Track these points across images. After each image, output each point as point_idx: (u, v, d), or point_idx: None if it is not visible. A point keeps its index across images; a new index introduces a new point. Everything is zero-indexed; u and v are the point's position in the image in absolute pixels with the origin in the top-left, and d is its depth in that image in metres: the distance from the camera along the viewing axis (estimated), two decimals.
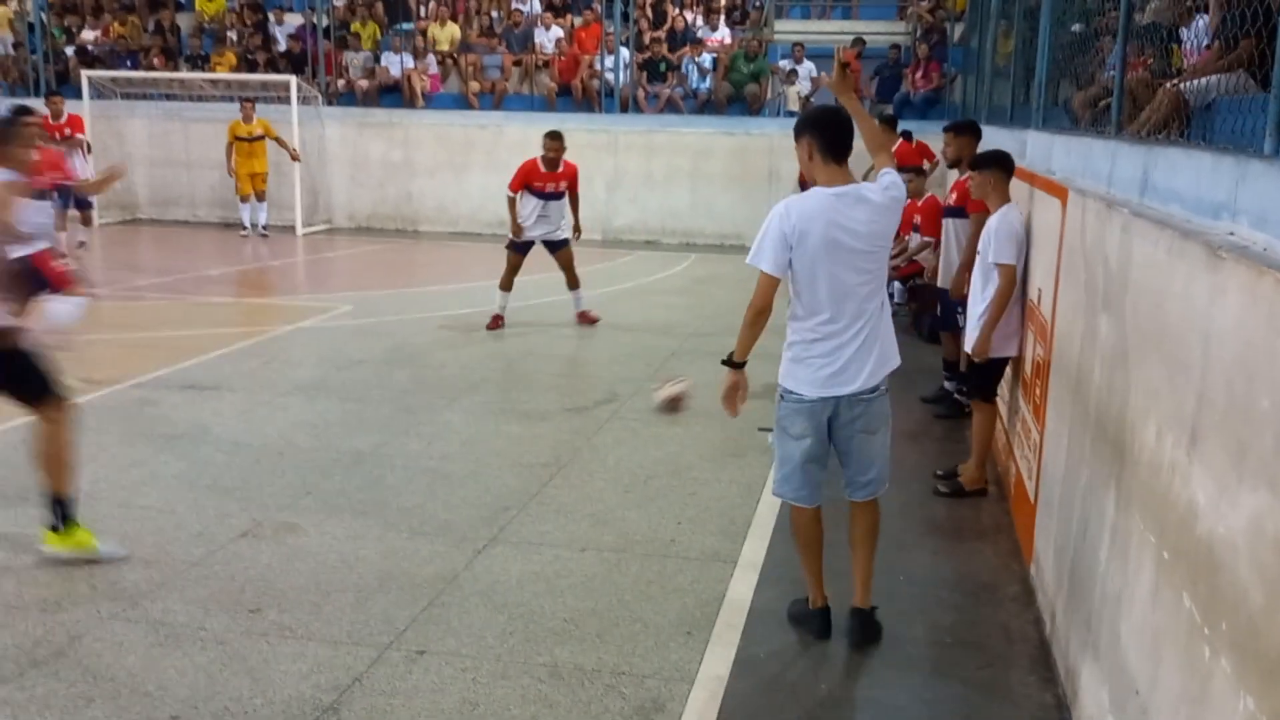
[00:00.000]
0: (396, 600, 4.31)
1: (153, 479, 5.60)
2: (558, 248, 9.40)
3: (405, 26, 17.43)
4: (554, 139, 9.15)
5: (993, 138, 8.67)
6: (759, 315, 3.78)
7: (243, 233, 15.32)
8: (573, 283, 9.54)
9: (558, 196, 9.27)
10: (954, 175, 7.23)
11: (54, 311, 6.45)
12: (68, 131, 13.31)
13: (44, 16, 17.59)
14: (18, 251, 4.76)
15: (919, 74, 15.36)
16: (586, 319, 9.64)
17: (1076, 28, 5.62)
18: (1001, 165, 5.58)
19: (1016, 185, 5.67)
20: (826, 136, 3.77)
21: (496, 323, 9.40)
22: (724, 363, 3.90)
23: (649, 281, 12.27)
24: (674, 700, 3.63)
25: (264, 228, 15.28)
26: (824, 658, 3.98)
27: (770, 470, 5.82)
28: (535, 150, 9.33)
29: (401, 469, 5.82)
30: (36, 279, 5.90)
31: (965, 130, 6.99)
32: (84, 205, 12.46)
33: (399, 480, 5.66)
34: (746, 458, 6.16)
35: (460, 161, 15.90)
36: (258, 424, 6.59)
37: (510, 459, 6.07)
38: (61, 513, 4.63)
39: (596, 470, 5.92)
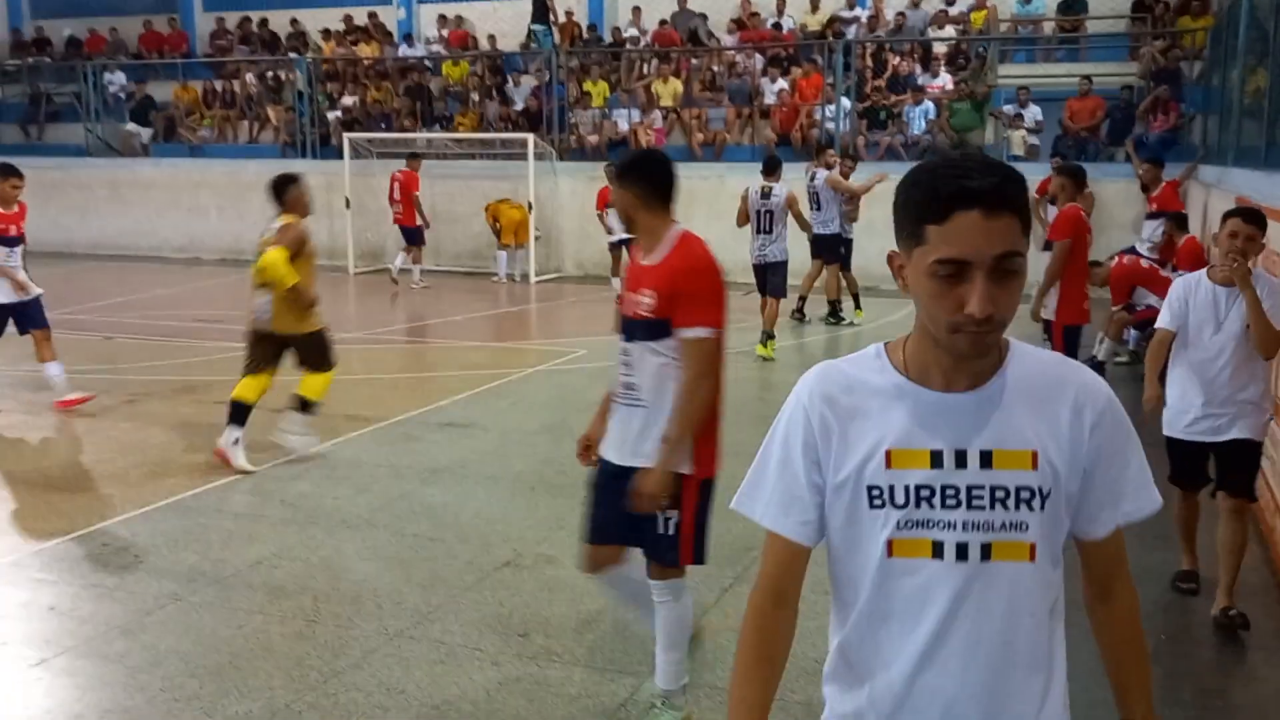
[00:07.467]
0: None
1: (423, 509, 6.11)
2: None
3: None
4: None
5: (1244, 181, 8.29)
6: None
7: (495, 279, 16.32)
8: None
9: None
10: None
11: None
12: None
13: (311, 84, 19.38)
14: None
15: (1156, 114, 14.79)
16: None
17: None
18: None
19: (1273, 229, 5.47)
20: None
21: None
22: None
23: (871, 328, 12.26)
24: None
25: (508, 276, 16.22)
26: None
27: None
28: None
29: None
30: None
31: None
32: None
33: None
34: None
35: (682, 213, 16.25)
36: (510, 460, 7.06)
37: None
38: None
39: None
